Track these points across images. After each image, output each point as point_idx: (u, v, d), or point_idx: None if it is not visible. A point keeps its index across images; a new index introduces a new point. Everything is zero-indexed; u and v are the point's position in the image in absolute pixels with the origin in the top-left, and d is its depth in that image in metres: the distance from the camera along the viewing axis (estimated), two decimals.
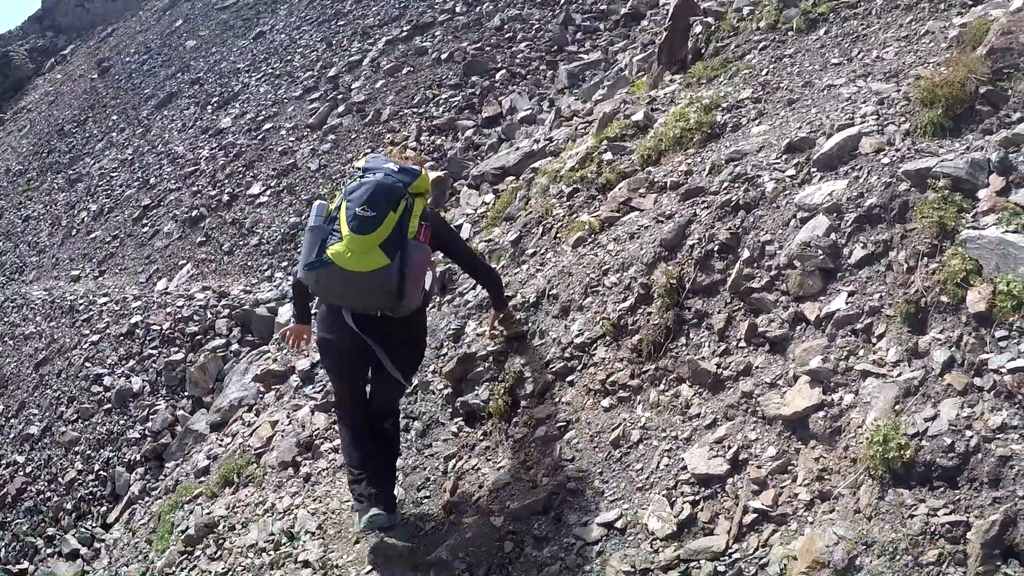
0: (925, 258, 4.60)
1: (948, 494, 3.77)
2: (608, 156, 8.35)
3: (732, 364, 5.25)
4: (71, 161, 27.90)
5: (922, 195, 4.84)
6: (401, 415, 6.46)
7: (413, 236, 4.90)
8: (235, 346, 12.75)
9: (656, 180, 7.17)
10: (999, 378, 3.89)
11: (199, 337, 13.34)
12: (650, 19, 16.82)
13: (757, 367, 5.12)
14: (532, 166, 10.83)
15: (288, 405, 9.18)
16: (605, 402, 5.78)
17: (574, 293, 6.67)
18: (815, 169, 5.72)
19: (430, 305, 7.37)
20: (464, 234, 10.81)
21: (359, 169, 5.07)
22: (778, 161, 6.07)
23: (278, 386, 10.01)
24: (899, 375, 4.34)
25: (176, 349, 13.25)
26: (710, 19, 9.75)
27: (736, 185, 6.13)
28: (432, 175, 13.37)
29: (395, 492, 5.59)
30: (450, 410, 6.88)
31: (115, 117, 28.87)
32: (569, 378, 6.17)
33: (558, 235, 7.92)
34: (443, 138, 15.58)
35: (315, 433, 8.12)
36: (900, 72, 6.35)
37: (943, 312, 4.37)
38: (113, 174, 24.04)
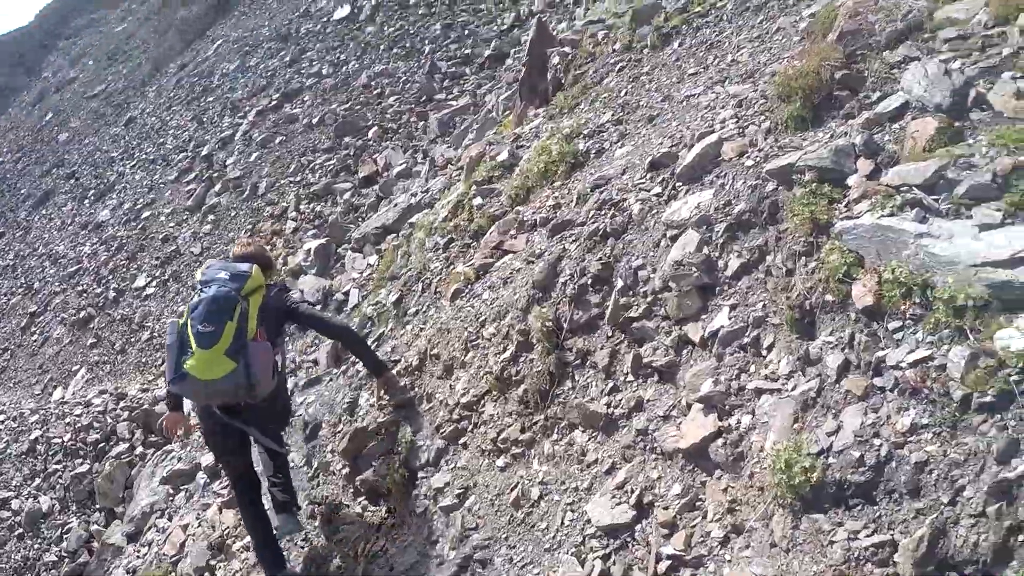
0: (803, 258, 4.30)
1: (867, 512, 3.40)
2: (478, 200, 8.10)
3: (622, 401, 4.90)
4: None
5: (789, 192, 4.58)
6: (299, 494, 6.61)
7: (253, 336, 5.41)
8: (140, 448, 12.13)
9: (526, 219, 6.90)
10: (900, 374, 3.52)
11: (102, 445, 12.67)
12: (514, 57, 16.75)
13: (648, 400, 4.79)
14: (410, 220, 10.56)
15: (197, 505, 8.71)
16: (500, 461, 5.43)
17: (455, 350, 6.33)
18: (680, 183, 5.46)
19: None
20: (353, 299, 10.47)
21: (199, 282, 5.51)
22: (643, 181, 5.81)
23: (187, 485, 9.55)
24: (794, 388, 4.02)
25: (80, 460, 12.58)
26: (567, 48, 9.62)
27: (602, 212, 5.84)
28: (315, 243, 13.05)
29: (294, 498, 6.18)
30: (352, 490, 6.48)
31: None
32: (461, 440, 5.81)
33: (437, 290, 7.64)
34: (322, 204, 15.23)
35: (225, 532, 7.68)
36: (756, 72, 6.17)
37: (830, 312, 4.03)
38: None
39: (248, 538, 7.04)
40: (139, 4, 39.38)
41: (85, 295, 18.11)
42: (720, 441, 4.24)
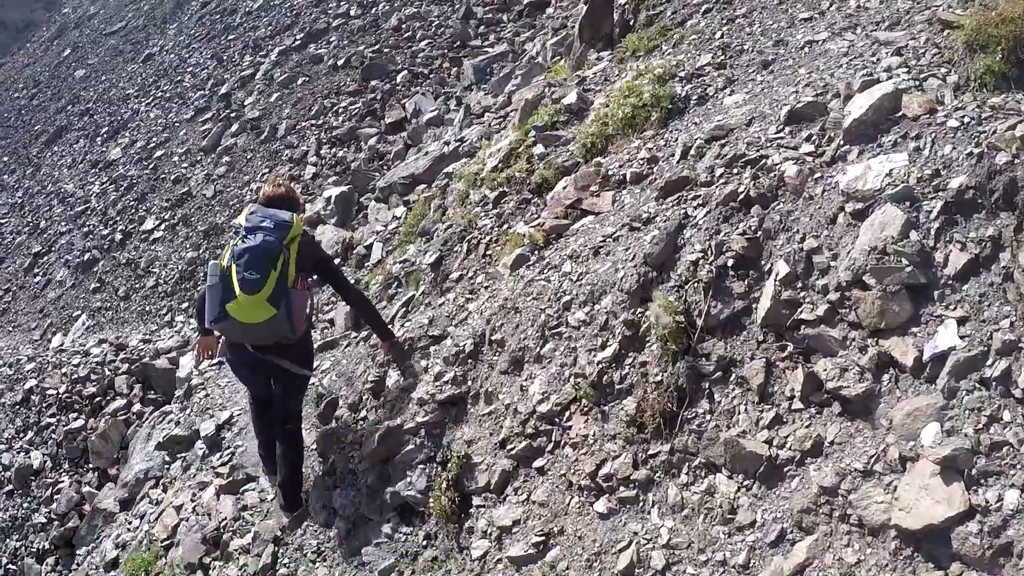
0: None
1: None
2: (539, 149, 6.82)
3: (790, 439, 3.47)
4: None
5: None
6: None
7: (292, 283, 5.53)
8: (137, 406, 11.13)
9: (610, 173, 5.56)
10: None
11: (98, 399, 11.71)
12: (556, 5, 15.33)
13: (832, 443, 3.36)
14: (445, 171, 9.26)
15: (194, 483, 7.67)
16: (600, 504, 4.00)
17: (527, 337, 4.95)
18: (847, 142, 4.08)
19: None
20: (376, 254, 9.42)
21: (242, 227, 5.53)
22: (781, 135, 4.45)
23: (184, 454, 8.65)
24: None
25: (75, 415, 11.60)
26: None
27: (734, 172, 4.45)
28: (336, 191, 11.74)
29: (301, 494, 6.08)
30: (379, 503, 5.13)
31: (5, 158, 26.53)
32: (538, 463, 4.41)
33: (488, 253, 6.35)
34: (345, 149, 13.84)
35: (223, 525, 6.56)
36: (900, 20, 4.84)
37: None
38: (2, 221, 21.86)
39: (246, 538, 6.25)
40: None
41: (91, 236, 16.84)
42: (971, 525, 2.80)
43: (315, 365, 7.50)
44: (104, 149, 20.48)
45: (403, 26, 17.24)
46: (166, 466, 8.76)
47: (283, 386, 6.03)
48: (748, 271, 3.99)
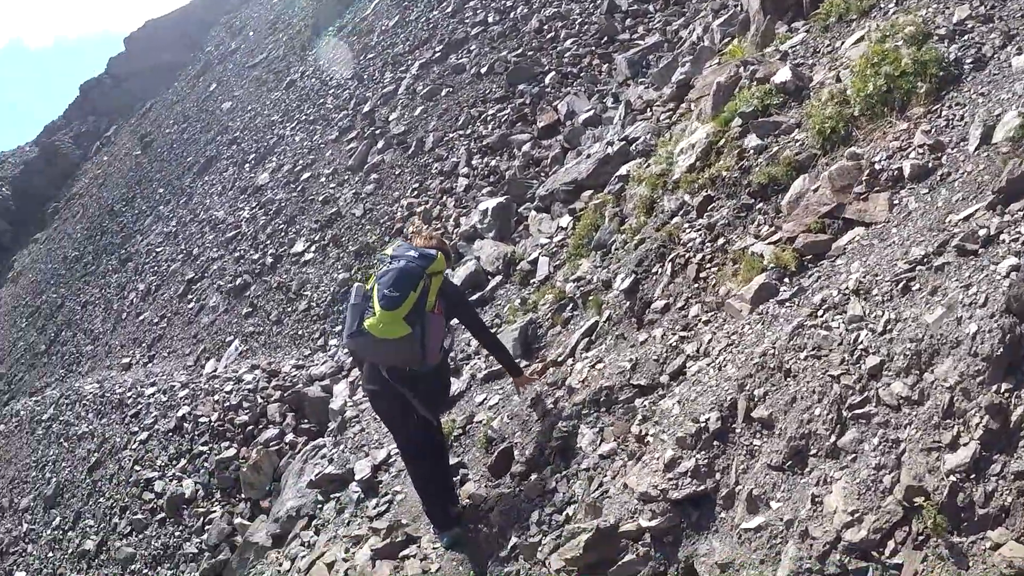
0: None
1: None
2: (753, 141, 5.47)
3: None
4: (123, 241, 25.99)
5: None
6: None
7: (431, 309, 5.51)
8: (290, 436, 10.40)
9: (878, 167, 4.16)
10: None
11: (251, 428, 11.20)
12: None
13: None
14: (618, 173, 8.07)
15: (348, 534, 6.70)
16: None
17: (812, 419, 3.40)
18: None
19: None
20: (541, 270, 8.52)
21: (388, 256, 5.68)
22: None
23: (337, 494, 7.90)
24: None
25: (227, 444, 11.12)
26: None
27: None
28: (493, 203, 10.64)
29: (454, 507, 5.84)
30: None
31: (161, 190, 26.98)
32: None
33: (702, 276, 5.03)
34: (497, 158, 12.77)
35: None
36: None
37: None
38: (159, 249, 21.92)
39: None
40: None
41: (242, 261, 16.34)
42: None
43: (481, 400, 7.01)
44: (252, 175, 20.14)
45: (545, 27, 16.16)
46: (319, 505, 8.09)
47: (415, 420, 5.88)
48: None
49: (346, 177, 15.92)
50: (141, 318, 18.88)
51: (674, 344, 4.67)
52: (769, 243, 4.54)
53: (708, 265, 5.02)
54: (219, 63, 35.44)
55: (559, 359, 6.16)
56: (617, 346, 5.41)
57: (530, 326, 7.37)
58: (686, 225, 5.55)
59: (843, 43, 5.84)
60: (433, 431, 5.97)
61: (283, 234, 15.90)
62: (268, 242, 16.05)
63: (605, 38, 14.67)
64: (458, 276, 10.08)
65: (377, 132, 16.41)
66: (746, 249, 4.66)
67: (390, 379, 5.64)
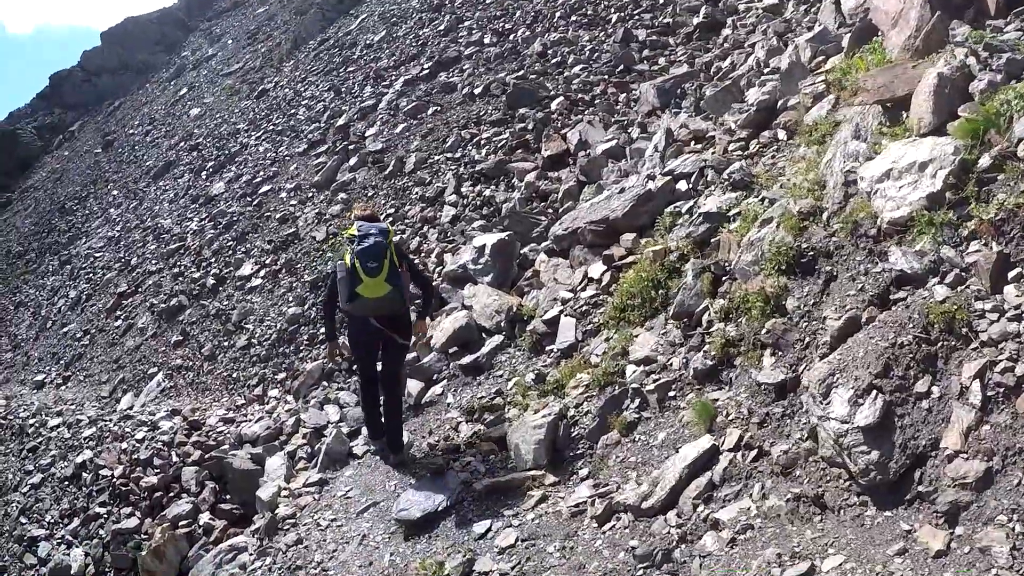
0: None
1: None
2: None
3: None
4: (68, 241, 22.94)
5: None
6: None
7: (399, 267, 6.52)
8: (205, 516, 7.65)
9: None
10: None
11: (158, 494, 8.36)
12: (734, 26, 11.64)
13: None
14: (703, 210, 5.57)
15: None
16: None
17: None
18: None
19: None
20: (566, 335, 6.27)
21: (357, 236, 6.52)
22: None
23: None
24: None
25: (129, 510, 8.38)
26: None
27: None
28: (491, 239, 8.05)
29: (404, 438, 6.95)
30: None
31: (115, 192, 24.14)
32: None
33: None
34: (492, 187, 10.14)
35: None
36: None
37: None
38: (98, 254, 19.07)
39: None
40: None
41: (180, 279, 13.49)
42: None
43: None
44: (207, 184, 17.33)
45: (549, 51, 13.70)
46: None
47: (391, 354, 6.87)
48: None
49: (310, 194, 13.18)
50: (65, 330, 15.92)
51: None
52: None
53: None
54: (193, 68, 32.59)
55: (640, 504, 3.53)
56: (772, 510, 2.80)
57: (561, 422, 4.76)
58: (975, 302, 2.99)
59: None
60: (398, 367, 7.11)
61: (230, 252, 13.06)
62: (213, 260, 13.19)
63: (621, 67, 12.22)
64: (442, 329, 7.48)
65: (351, 147, 13.71)
66: None
67: (378, 324, 6.61)
